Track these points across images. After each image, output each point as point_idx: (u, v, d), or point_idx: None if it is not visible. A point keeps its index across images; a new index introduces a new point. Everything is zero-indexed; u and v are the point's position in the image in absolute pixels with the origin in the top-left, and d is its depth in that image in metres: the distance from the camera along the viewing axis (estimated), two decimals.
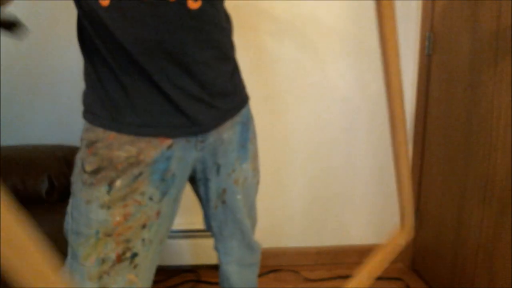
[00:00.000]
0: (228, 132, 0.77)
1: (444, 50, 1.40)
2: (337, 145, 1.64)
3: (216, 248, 0.92)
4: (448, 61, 1.37)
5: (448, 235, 1.40)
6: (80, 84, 0.71)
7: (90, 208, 0.65)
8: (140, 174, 0.67)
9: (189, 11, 0.63)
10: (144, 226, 0.68)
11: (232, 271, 0.92)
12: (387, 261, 0.86)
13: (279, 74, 1.56)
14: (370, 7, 1.32)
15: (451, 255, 1.39)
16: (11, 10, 0.63)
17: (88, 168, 0.66)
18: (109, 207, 0.65)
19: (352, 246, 1.74)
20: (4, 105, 1.51)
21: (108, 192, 0.65)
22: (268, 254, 1.69)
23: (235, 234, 0.87)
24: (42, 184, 1.30)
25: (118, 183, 0.65)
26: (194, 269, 1.66)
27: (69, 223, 0.68)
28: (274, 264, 1.71)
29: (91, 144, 0.67)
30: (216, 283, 1.54)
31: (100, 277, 0.65)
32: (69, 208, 0.69)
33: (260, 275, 1.62)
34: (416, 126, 1.60)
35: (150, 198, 0.68)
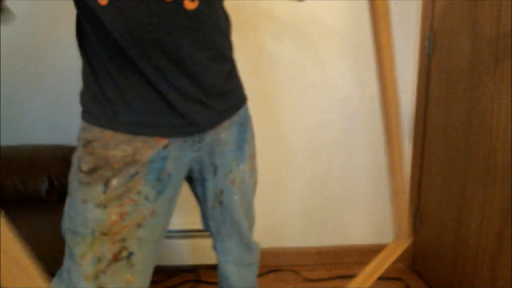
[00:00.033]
0: (225, 132, 0.77)
1: (444, 50, 1.40)
2: (337, 145, 1.64)
3: (215, 248, 0.92)
4: (448, 61, 1.37)
5: (448, 235, 1.40)
6: (80, 84, 0.72)
7: (86, 207, 0.65)
8: (136, 173, 0.67)
9: (186, 11, 0.63)
10: (139, 225, 0.68)
11: (231, 271, 0.92)
12: (385, 266, 0.87)
13: (279, 74, 1.56)
14: None
15: (451, 255, 1.39)
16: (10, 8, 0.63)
17: (85, 167, 0.66)
18: (105, 206, 0.65)
19: (352, 246, 1.74)
20: (4, 105, 1.51)
21: (104, 191, 0.65)
22: (268, 254, 1.69)
23: (233, 234, 0.87)
24: (42, 184, 1.30)
25: (114, 182, 0.65)
26: (194, 269, 1.66)
27: (66, 222, 0.69)
28: (274, 264, 1.71)
29: (87, 143, 0.67)
30: (216, 283, 1.54)
31: (96, 277, 0.65)
32: (66, 208, 0.70)
33: (260, 275, 1.62)
34: (416, 126, 1.60)
35: (146, 198, 0.68)
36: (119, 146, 0.66)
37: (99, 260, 0.65)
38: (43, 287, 0.35)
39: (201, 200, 0.85)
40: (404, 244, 0.90)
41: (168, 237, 1.58)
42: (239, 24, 1.48)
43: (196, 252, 1.60)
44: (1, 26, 1.43)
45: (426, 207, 1.57)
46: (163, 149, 0.69)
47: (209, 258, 1.57)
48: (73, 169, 0.68)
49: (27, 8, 1.43)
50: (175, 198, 0.76)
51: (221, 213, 0.84)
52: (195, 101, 0.69)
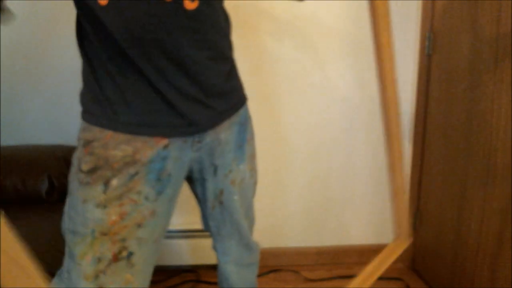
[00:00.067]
0: (225, 132, 0.77)
1: (444, 50, 1.40)
2: (337, 145, 1.64)
3: (214, 248, 0.92)
4: (448, 61, 1.37)
5: (448, 235, 1.40)
6: (80, 84, 0.72)
7: (86, 207, 0.65)
8: (136, 173, 0.67)
9: (186, 11, 0.63)
10: (139, 225, 0.68)
11: (231, 270, 0.92)
12: (385, 266, 0.87)
13: (279, 74, 1.56)
14: None
15: (451, 255, 1.39)
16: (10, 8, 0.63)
17: (85, 167, 0.66)
18: (105, 206, 0.65)
19: (352, 246, 1.74)
20: (4, 105, 1.51)
21: (104, 191, 0.65)
22: (268, 254, 1.69)
23: (233, 234, 0.87)
24: (42, 184, 1.30)
25: (114, 182, 0.65)
26: (194, 269, 1.66)
27: (66, 222, 0.69)
28: (274, 264, 1.71)
29: (87, 143, 0.67)
30: (216, 283, 1.54)
31: (96, 277, 0.65)
32: (66, 207, 0.70)
33: (260, 275, 1.62)
34: (416, 126, 1.60)
35: (146, 198, 0.68)
36: (119, 146, 0.66)
37: (99, 260, 0.65)
38: (43, 287, 0.35)
39: (201, 200, 0.85)
40: (404, 244, 0.90)
41: (168, 237, 1.58)
42: (239, 24, 1.48)
43: (196, 252, 1.60)
44: (1, 26, 1.43)
45: (426, 207, 1.57)
46: (163, 149, 0.69)
47: (209, 258, 1.57)
48: (73, 169, 0.68)
49: (27, 8, 1.43)
50: (175, 198, 0.76)
51: (221, 213, 0.84)
52: (195, 101, 0.69)
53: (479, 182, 1.21)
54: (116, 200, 0.65)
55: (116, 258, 0.66)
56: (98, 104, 0.67)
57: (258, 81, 1.55)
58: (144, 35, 0.62)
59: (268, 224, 1.69)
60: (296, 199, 1.69)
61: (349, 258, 1.73)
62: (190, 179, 0.82)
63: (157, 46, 0.63)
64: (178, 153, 0.71)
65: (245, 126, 0.82)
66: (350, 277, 0.87)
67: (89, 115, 0.68)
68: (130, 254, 0.67)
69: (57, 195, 1.32)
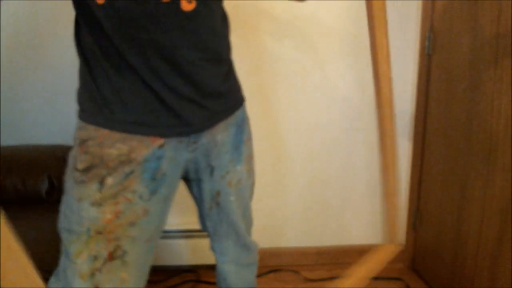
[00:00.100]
0: (221, 133, 0.77)
1: (444, 50, 1.40)
2: (337, 145, 1.64)
3: (212, 248, 0.92)
4: (448, 61, 1.37)
5: (448, 235, 1.40)
6: None
7: (81, 205, 0.65)
8: (132, 172, 0.67)
9: (182, 12, 0.63)
10: (132, 224, 0.68)
11: (229, 270, 0.92)
12: (377, 268, 0.86)
13: (279, 74, 1.56)
14: None
15: (451, 255, 1.39)
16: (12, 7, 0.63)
17: (80, 166, 0.66)
18: (100, 205, 0.65)
19: (352, 246, 1.74)
20: (4, 105, 1.51)
21: (99, 189, 0.65)
22: (268, 254, 1.69)
23: (230, 234, 0.87)
24: (42, 184, 1.30)
25: (109, 180, 0.65)
26: (194, 269, 1.66)
27: (61, 221, 0.69)
28: (274, 264, 1.71)
29: (83, 142, 0.67)
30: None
31: (92, 275, 0.65)
32: (62, 206, 0.69)
33: (260, 275, 1.62)
34: (416, 126, 1.60)
35: (140, 197, 0.68)
36: (114, 144, 0.66)
37: (95, 258, 0.65)
38: (42, 287, 0.35)
39: (197, 201, 0.85)
40: (393, 249, 0.89)
41: (168, 237, 1.58)
42: (239, 24, 1.48)
43: (196, 252, 1.60)
44: (1, 26, 1.43)
45: (426, 207, 1.57)
46: (158, 149, 0.69)
47: (209, 258, 1.57)
48: (69, 168, 0.69)
49: (27, 8, 1.43)
50: (170, 198, 0.76)
51: (218, 214, 0.84)
52: (189, 102, 0.69)
53: (479, 182, 1.21)
54: (111, 199, 0.65)
55: (111, 256, 0.66)
56: (95, 103, 0.67)
57: (258, 81, 1.55)
58: (140, 35, 0.62)
59: (268, 224, 1.69)
60: (296, 199, 1.69)
61: (349, 258, 1.73)
62: (186, 179, 0.82)
63: (152, 46, 0.63)
64: (173, 153, 0.71)
65: (242, 127, 0.82)
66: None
67: (85, 113, 0.69)
68: (124, 252, 0.67)
69: (57, 195, 1.32)
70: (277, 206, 1.69)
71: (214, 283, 1.57)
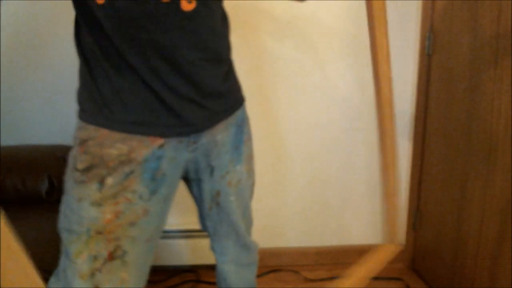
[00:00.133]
0: (221, 134, 0.77)
1: (444, 50, 1.40)
2: (337, 145, 1.64)
3: (212, 248, 0.92)
4: (448, 61, 1.37)
5: (448, 235, 1.40)
6: None
7: (81, 205, 0.65)
8: (132, 172, 0.67)
9: (182, 12, 0.63)
10: (132, 224, 0.68)
11: (229, 270, 0.92)
12: (377, 267, 0.86)
13: (279, 74, 1.56)
14: None
15: (451, 255, 1.39)
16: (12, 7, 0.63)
17: (80, 166, 0.66)
18: (100, 205, 0.65)
19: (352, 246, 1.74)
20: (4, 105, 1.51)
21: (99, 189, 0.65)
22: (268, 254, 1.69)
23: (230, 234, 0.87)
24: (42, 184, 1.30)
25: (109, 180, 0.65)
26: (194, 269, 1.66)
27: (61, 221, 0.69)
28: (274, 264, 1.71)
29: (83, 142, 0.67)
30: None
31: (92, 275, 0.65)
32: (62, 206, 0.69)
33: (260, 275, 1.62)
34: (416, 126, 1.60)
35: (140, 197, 0.68)
36: (114, 144, 0.66)
37: (95, 258, 0.65)
38: (42, 287, 0.35)
39: (197, 201, 0.85)
40: (392, 249, 0.89)
41: (168, 237, 1.58)
42: (239, 24, 1.48)
43: (196, 252, 1.60)
44: (1, 26, 1.43)
45: (426, 207, 1.57)
46: (158, 149, 0.69)
47: (209, 258, 1.57)
48: (69, 168, 0.69)
49: (27, 8, 1.43)
50: (170, 198, 0.76)
51: (217, 214, 0.84)
52: (189, 101, 0.69)
53: (479, 182, 1.21)
54: (111, 199, 0.65)
55: (111, 256, 0.66)
56: (95, 103, 0.67)
57: (258, 81, 1.55)
58: (140, 35, 0.62)
59: (268, 224, 1.69)
60: (296, 199, 1.69)
61: (349, 258, 1.73)
62: (186, 179, 0.82)
63: (152, 46, 0.63)
64: (173, 153, 0.71)
65: (242, 128, 0.82)
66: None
67: (85, 113, 0.69)
68: (124, 253, 0.67)
69: (57, 195, 1.32)
70: (277, 206, 1.69)
71: (214, 283, 1.57)
